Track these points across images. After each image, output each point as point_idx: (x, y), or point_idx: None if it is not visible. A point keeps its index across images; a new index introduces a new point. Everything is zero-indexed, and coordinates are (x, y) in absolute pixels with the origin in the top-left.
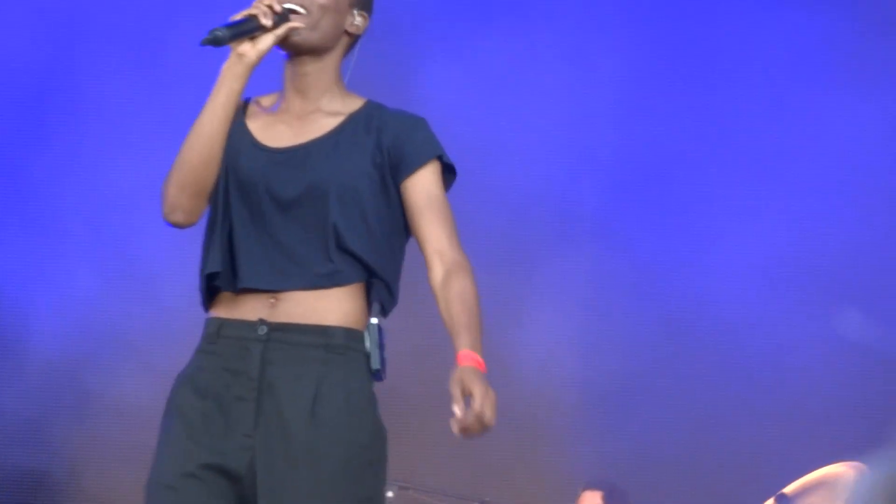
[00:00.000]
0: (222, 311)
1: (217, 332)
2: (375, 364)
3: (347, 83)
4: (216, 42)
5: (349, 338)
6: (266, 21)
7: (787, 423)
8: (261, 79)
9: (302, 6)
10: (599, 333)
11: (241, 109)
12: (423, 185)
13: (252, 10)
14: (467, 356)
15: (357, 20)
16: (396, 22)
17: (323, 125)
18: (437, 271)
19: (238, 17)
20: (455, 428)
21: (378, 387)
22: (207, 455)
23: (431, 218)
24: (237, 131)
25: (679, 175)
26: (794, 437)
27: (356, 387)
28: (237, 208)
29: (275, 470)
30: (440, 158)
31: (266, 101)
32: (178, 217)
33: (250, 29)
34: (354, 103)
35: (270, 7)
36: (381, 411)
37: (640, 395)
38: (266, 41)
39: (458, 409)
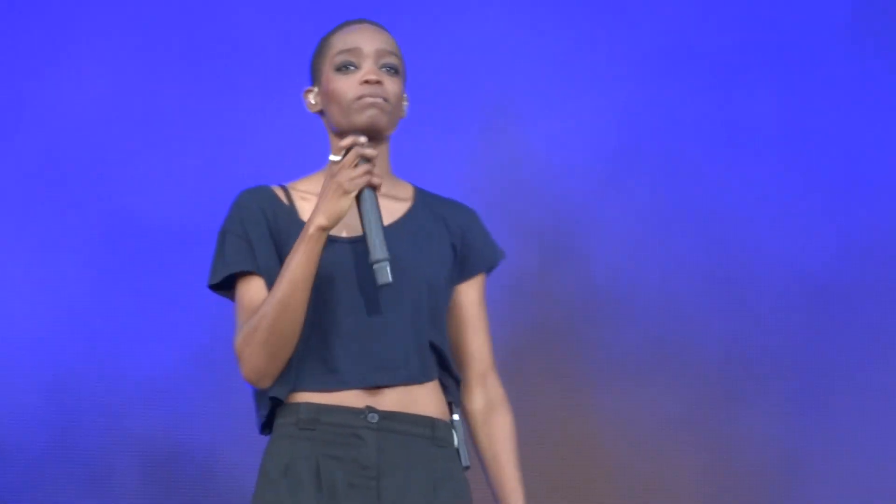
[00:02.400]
0: (315, 398)
1: (315, 419)
2: (466, 461)
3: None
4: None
5: (447, 431)
6: (380, 182)
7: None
8: None
9: (384, 97)
10: None
11: (280, 199)
12: (478, 292)
13: (367, 178)
14: None
15: (406, 103)
16: None
17: (392, 210)
18: (479, 399)
19: (349, 197)
20: None
21: None
22: None
23: (480, 331)
24: (293, 224)
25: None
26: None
27: (461, 479)
28: (319, 306)
29: None
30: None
31: (306, 185)
32: (266, 383)
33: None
34: (407, 187)
35: (371, 169)
36: None
37: None
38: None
39: None
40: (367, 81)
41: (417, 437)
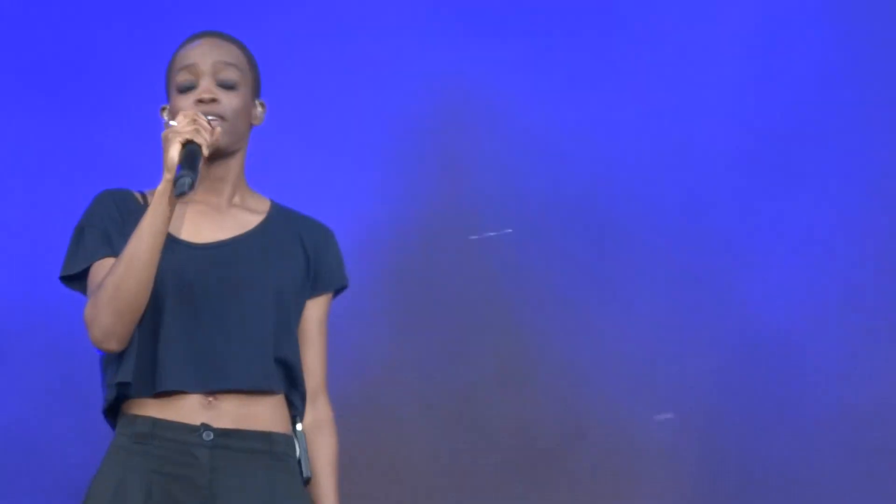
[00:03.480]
0: (153, 411)
1: (150, 433)
2: (307, 472)
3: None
4: (190, 188)
5: (287, 444)
6: (204, 141)
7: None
8: None
9: (219, 115)
10: None
11: (139, 203)
12: (322, 311)
13: (189, 135)
14: None
15: (259, 110)
16: None
17: (243, 221)
18: (308, 416)
19: (176, 145)
20: None
21: None
22: None
23: (318, 350)
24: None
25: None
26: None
27: (301, 493)
28: (158, 306)
29: None
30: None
31: None
32: (113, 345)
33: (197, 157)
34: (263, 201)
35: (204, 125)
36: None
37: None
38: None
39: None
40: (200, 101)
41: (254, 453)
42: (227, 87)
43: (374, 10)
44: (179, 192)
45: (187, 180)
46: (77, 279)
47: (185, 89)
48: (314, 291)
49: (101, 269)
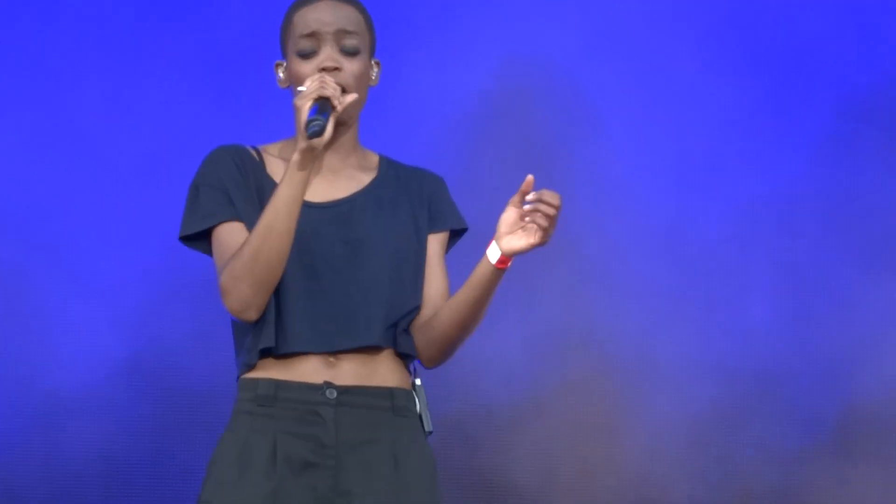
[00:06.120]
0: (275, 373)
1: (274, 395)
2: (429, 426)
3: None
4: (321, 133)
5: (408, 399)
6: (338, 102)
7: None
8: None
9: (343, 83)
10: None
11: (255, 160)
12: (438, 247)
13: (323, 92)
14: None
15: (375, 71)
16: None
17: (358, 179)
18: (426, 315)
19: (307, 99)
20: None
21: None
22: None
23: (438, 286)
24: (264, 180)
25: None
26: None
27: (424, 448)
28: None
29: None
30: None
31: (276, 149)
32: (252, 314)
33: (328, 112)
34: (372, 157)
35: (333, 85)
36: None
37: None
38: (331, 127)
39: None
40: (324, 68)
41: (377, 410)
42: (350, 53)
43: None
44: (312, 133)
45: (321, 122)
46: (195, 239)
47: (307, 55)
48: (431, 229)
49: (228, 232)
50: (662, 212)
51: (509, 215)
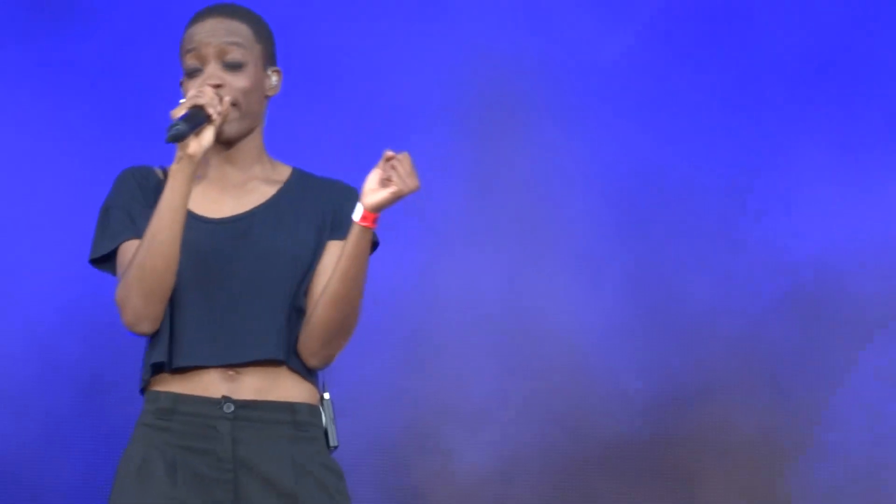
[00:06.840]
0: (175, 386)
1: (172, 409)
2: (334, 441)
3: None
4: (180, 138)
5: (311, 414)
6: (213, 111)
7: None
8: None
9: (232, 98)
10: None
11: (158, 178)
12: (333, 258)
13: (198, 100)
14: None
15: (273, 80)
16: None
17: (262, 193)
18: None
19: (182, 108)
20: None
21: None
22: None
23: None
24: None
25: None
26: None
27: (327, 462)
28: (177, 283)
29: None
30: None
31: None
32: (145, 327)
33: (201, 121)
34: (284, 170)
35: (216, 97)
36: None
37: None
38: (209, 136)
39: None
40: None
41: (276, 424)
42: (234, 67)
43: None
44: (169, 137)
45: (179, 127)
46: (106, 261)
47: (192, 73)
48: (332, 236)
49: (128, 250)
50: (643, 203)
51: (371, 177)
